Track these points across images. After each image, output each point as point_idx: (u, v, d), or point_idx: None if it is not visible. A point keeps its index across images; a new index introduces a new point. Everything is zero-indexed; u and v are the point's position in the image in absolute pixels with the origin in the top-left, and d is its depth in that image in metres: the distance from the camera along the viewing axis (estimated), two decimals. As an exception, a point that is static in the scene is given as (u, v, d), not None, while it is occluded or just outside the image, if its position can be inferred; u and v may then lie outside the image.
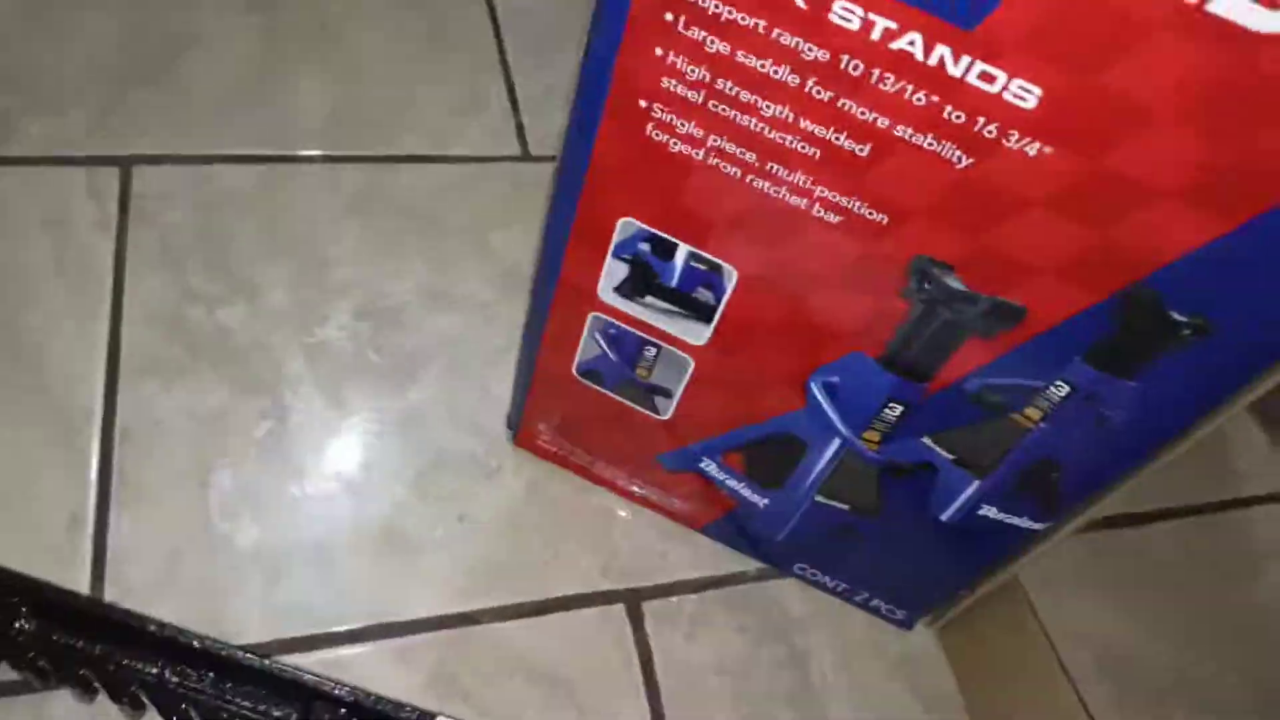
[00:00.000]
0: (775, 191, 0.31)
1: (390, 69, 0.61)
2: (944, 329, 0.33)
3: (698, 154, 0.31)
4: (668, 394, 0.41)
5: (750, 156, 0.31)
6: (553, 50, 0.65)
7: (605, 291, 0.38)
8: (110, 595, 0.39)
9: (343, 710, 0.36)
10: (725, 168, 0.31)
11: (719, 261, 0.34)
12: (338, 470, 0.45)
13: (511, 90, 0.63)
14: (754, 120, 0.30)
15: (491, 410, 0.49)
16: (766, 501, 0.44)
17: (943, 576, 0.44)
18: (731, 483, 0.44)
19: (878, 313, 0.33)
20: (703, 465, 0.44)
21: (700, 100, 0.30)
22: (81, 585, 0.39)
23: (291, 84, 0.58)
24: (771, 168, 0.31)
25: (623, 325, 0.39)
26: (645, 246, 0.35)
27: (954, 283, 0.31)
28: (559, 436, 0.47)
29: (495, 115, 0.61)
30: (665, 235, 0.34)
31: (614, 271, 0.37)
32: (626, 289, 0.37)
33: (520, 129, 0.61)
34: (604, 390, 0.42)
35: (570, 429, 0.46)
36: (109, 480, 0.43)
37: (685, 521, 0.47)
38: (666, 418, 0.42)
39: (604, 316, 0.39)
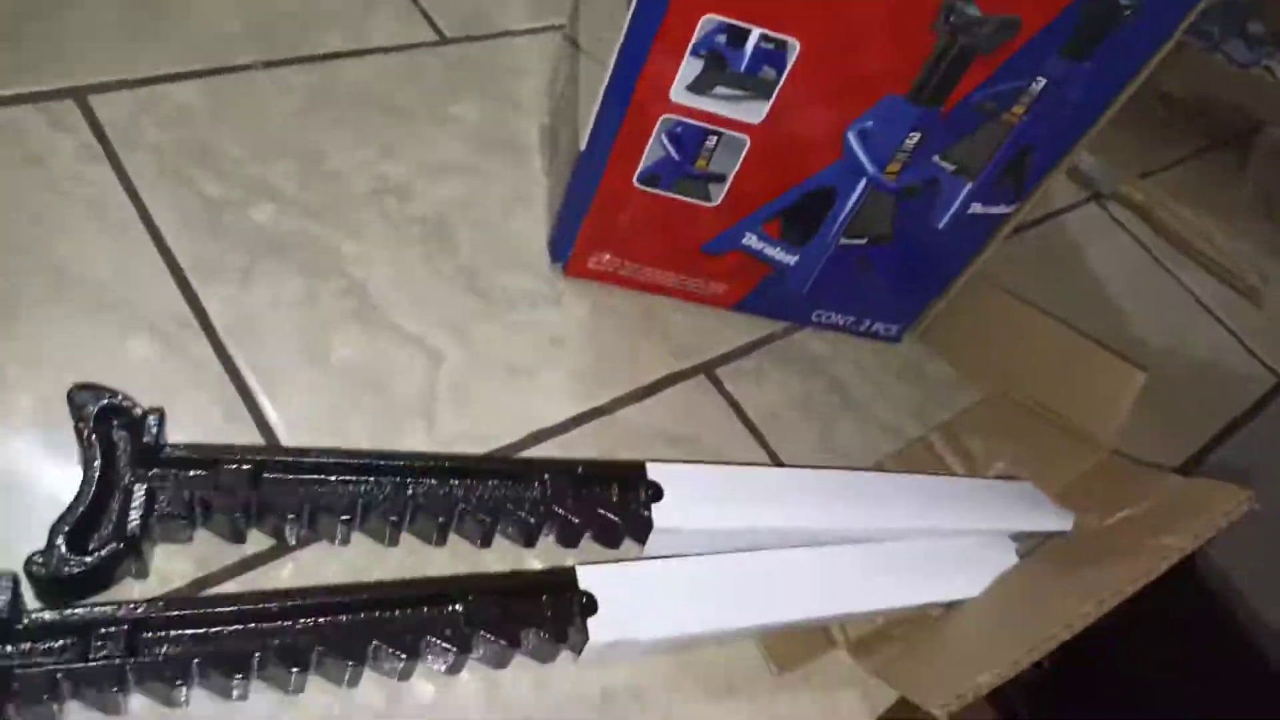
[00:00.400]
0: (842, -39, 0.40)
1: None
2: (960, 53, 0.43)
3: (782, -60, 0.39)
4: (721, 179, 0.49)
5: (826, -65, 0.39)
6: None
7: (678, 91, 0.45)
8: (304, 462, 0.41)
9: (580, 470, 0.41)
10: (804, -51, 0.39)
11: (785, 38, 0.43)
12: (437, 322, 0.49)
13: (402, -18, 0.65)
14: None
15: (528, 252, 0.54)
16: (796, 258, 0.53)
17: (931, 284, 0.56)
18: (769, 250, 0.53)
19: (909, 54, 0.43)
20: (745, 240, 0.52)
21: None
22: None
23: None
24: (843, -59, 0.39)
25: (688, 120, 0.46)
26: (721, 38, 0.43)
27: (972, 10, 0.42)
28: (609, 254, 0.53)
29: (397, 6, 0.63)
30: (741, 23, 0.42)
31: (689, 69, 0.44)
32: (699, 83, 0.44)
33: (426, 15, 0.64)
34: (661, 191, 0.49)
35: (621, 243, 0.52)
36: (239, 374, 0.43)
37: (721, 302, 0.56)
38: (717, 203, 0.50)
39: (673, 116, 0.46)
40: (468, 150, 0.58)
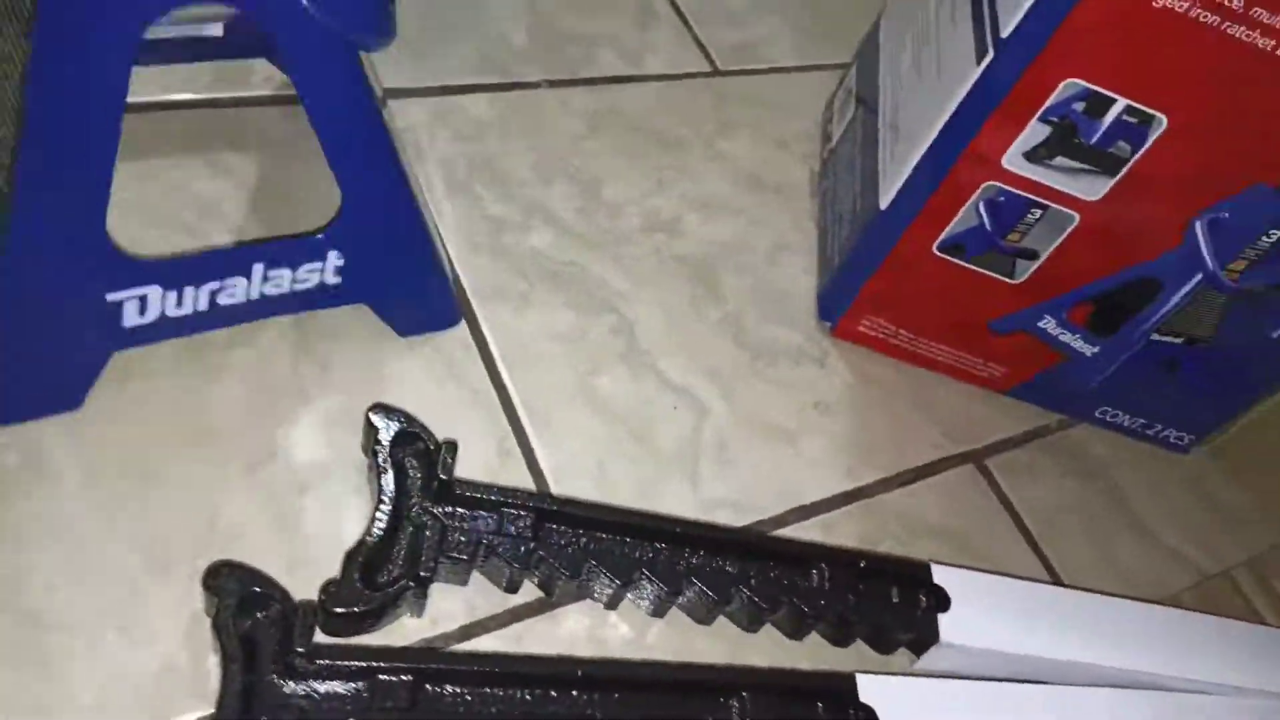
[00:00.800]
0: (1248, 36, 0.35)
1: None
2: (1363, 150, 0.38)
3: (1182, 6, 0.35)
4: (1033, 256, 0.44)
5: (1237, 2, 0.34)
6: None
7: (1012, 157, 0.41)
8: (572, 510, 0.39)
9: (861, 565, 0.38)
10: (1205, 17, 0.35)
11: (1153, 112, 0.38)
12: (702, 372, 0.46)
13: (675, 5, 0.63)
14: (1259, -34, 0.33)
15: (793, 305, 0.51)
16: (1095, 350, 0.48)
17: (1241, 396, 0.50)
18: (1065, 336, 0.48)
19: (1298, 142, 0.38)
20: (1041, 324, 0.47)
21: (1210, -48, 0.33)
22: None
23: (486, 11, 0.57)
24: (1255, 12, 0.34)
25: (1014, 190, 0.42)
26: (1079, 105, 0.39)
27: (1395, 104, 0.36)
28: (885, 320, 0.49)
29: (673, 30, 0.62)
30: (1108, 92, 0.38)
31: (1032, 135, 0.40)
32: (1039, 152, 0.40)
33: (699, 43, 0.62)
34: (960, 262, 0.45)
35: (902, 311, 0.49)
36: (512, 406, 0.42)
37: (995, 385, 0.51)
38: (1020, 281, 0.46)
39: (998, 184, 0.42)
40: (735, 189, 0.55)
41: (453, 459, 0.34)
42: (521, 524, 0.35)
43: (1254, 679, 0.41)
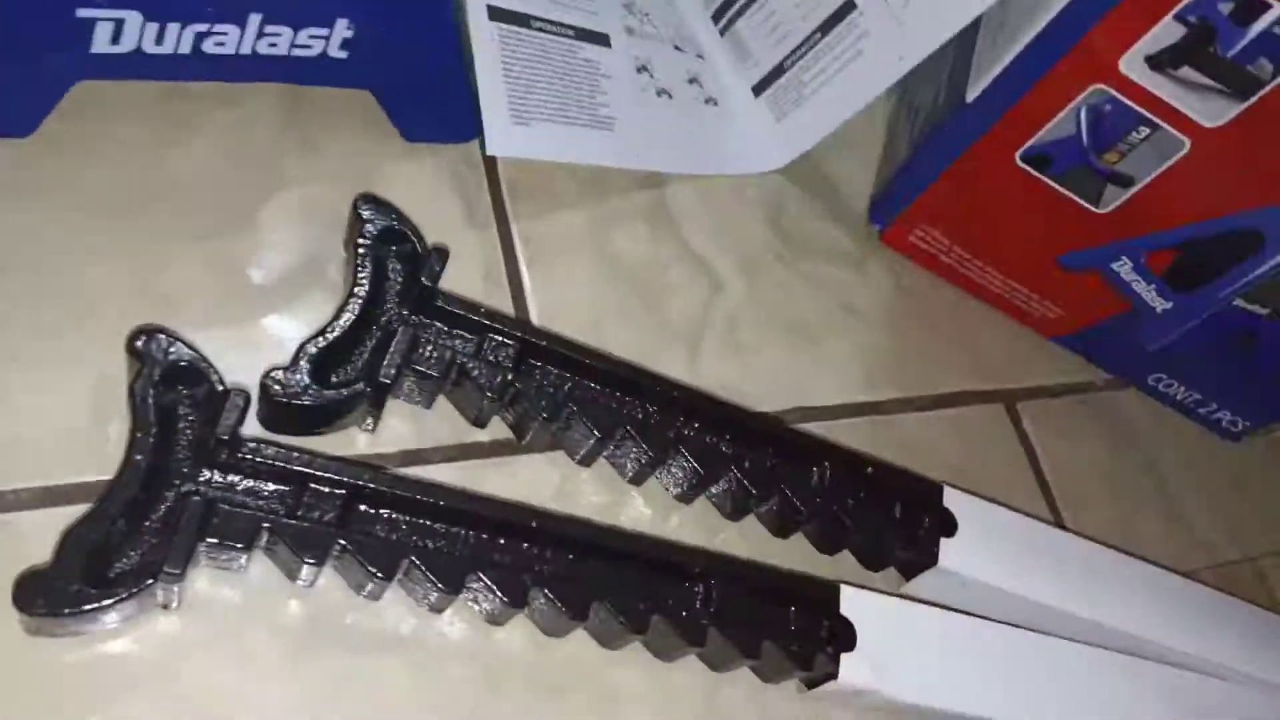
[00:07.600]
0: None
1: None
2: None
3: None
4: (1126, 183, 0.39)
5: None
6: None
7: (1131, 60, 0.35)
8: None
9: (869, 471, 0.34)
10: None
11: (1311, 28, 0.33)
12: (729, 249, 0.42)
13: None
14: None
15: (842, 200, 0.46)
16: (1168, 306, 0.43)
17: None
18: (1138, 285, 0.43)
19: None
20: (1115, 265, 0.42)
21: None
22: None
23: None
24: None
25: (1124, 100, 0.36)
26: (1225, 7, 0.33)
27: None
28: (940, 233, 0.44)
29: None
30: (1269, -7, 0.32)
31: (1162, 35, 0.34)
32: (1165, 57, 0.35)
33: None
34: (1042, 177, 0.40)
35: (961, 224, 0.44)
36: (510, 234, 0.37)
37: (1045, 329, 0.47)
38: (1104, 211, 0.41)
39: (1108, 90, 0.36)
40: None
41: (440, 267, 0.30)
42: (504, 353, 0.30)
43: (1263, 668, 0.38)
